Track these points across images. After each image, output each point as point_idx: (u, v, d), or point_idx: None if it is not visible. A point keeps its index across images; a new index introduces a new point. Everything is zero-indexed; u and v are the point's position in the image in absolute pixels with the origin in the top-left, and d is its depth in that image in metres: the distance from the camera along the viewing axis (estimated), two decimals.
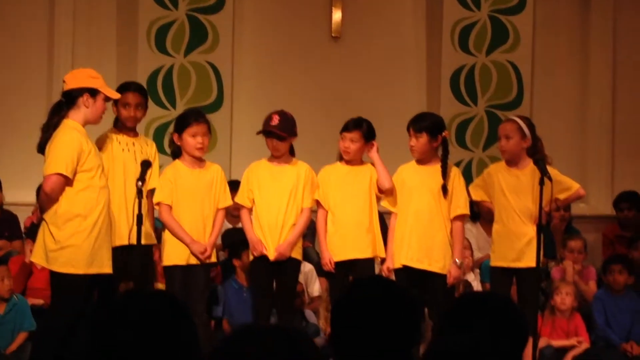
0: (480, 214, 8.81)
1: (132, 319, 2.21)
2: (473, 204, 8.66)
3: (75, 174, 6.30)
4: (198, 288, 6.99)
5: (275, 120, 7.09)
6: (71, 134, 6.32)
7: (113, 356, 2.18)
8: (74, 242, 6.29)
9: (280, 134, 7.07)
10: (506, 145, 7.09)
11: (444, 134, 7.11)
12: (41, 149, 6.39)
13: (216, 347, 2.13)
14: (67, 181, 6.30)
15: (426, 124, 7.07)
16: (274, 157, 7.19)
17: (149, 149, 6.91)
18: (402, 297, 2.75)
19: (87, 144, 6.36)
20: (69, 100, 6.42)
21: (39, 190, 8.39)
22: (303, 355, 2.08)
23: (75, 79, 6.48)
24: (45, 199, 6.38)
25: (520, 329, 2.62)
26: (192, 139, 6.99)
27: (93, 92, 6.43)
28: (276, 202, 7.12)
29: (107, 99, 6.51)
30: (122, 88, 6.98)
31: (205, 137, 7.04)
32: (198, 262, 6.96)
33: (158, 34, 9.67)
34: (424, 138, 7.05)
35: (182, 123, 7.07)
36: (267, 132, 7.11)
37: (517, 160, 7.11)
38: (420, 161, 7.14)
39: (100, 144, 6.82)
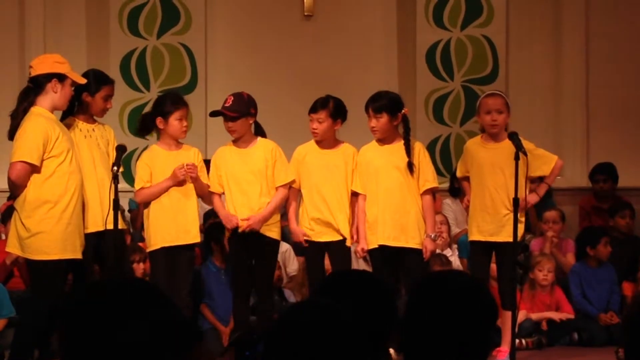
0: (460, 190, 8.82)
1: (110, 307, 2.19)
2: (454, 180, 8.68)
3: (42, 161, 6.27)
4: (181, 270, 7.00)
5: (229, 101, 7.09)
6: (37, 121, 6.29)
7: (90, 345, 2.16)
8: (44, 229, 6.26)
9: (229, 114, 7.04)
10: (499, 119, 7.09)
11: (403, 111, 7.09)
12: (11, 136, 6.36)
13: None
14: (34, 169, 6.28)
15: (384, 102, 7.03)
16: (237, 139, 7.18)
17: (108, 134, 6.87)
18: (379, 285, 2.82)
19: (54, 130, 6.31)
20: (36, 85, 6.38)
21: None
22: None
23: (43, 64, 6.44)
24: (11, 186, 6.38)
25: (485, 308, 2.62)
26: (178, 122, 7.01)
27: (61, 78, 6.39)
28: (247, 184, 7.10)
29: (73, 84, 6.47)
30: (106, 81, 6.85)
31: (186, 120, 7.11)
32: (181, 244, 6.96)
33: (130, 16, 9.63)
34: (384, 118, 7.04)
35: (169, 107, 7.03)
36: (218, 112, 7.11)
37: (498, 134, 7.13)
38: (382, 140, 7.11)
39: None
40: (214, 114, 7.18)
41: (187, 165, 6.94)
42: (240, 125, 7.07)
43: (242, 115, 7.05)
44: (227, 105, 7.08)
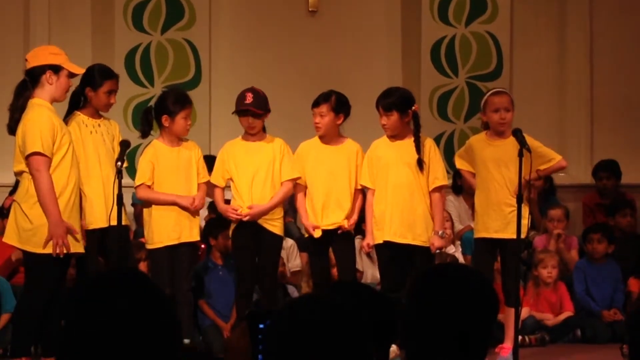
0: (463, 187, 8.83)
1: (112, 299, 2.19)
2: (457, 177, 8.66)
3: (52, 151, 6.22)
4: (183, 267, 7.01)
5: (249, 98, 7.09)
6: (40, 111, 6.23)
7: (90, 338, 2.16)
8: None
9: (257, 111, 7.07)
10: (507, 117, 7.09)
11: (414, 108, 7.08)
12: (11, 130, 6.29)
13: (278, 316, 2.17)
14: (50, 160, 6.17)
15: (394, 100, 7.02)
16: (249, 135, 7.18)
17: (113, 129, 6.84)
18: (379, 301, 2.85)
19: (58, 122, 6.28)
20: (32, 79, 6.31)
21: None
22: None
23: (37, 56, 6.38)
24: (36, 180, 6.19)
25: (486, 301, 2.60)
26: (184, 121, 7.03)
27: (55, 69, 6.32)
28: (255, 179, 7.12)
29: (70, 75, 6.42)
30: (110, 75, 6.80)
31: (190, 118, 7.15)
32: (183, 242, 6.98)
33: (135, 12, 9.63)
34: (394, 116, 7.02)
35: (176, 105, 7.02)
36: (244, 110, 7.11)
37: (504, 131, 7.13)
38: (394, 136, 7.10)
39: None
40: (241, 113, 7.12)
41: (195, 205, 6.98)
42: (262, 121, 7.12)
43: (265, 111, 7.11)
44: (249, 102, 7.08)
